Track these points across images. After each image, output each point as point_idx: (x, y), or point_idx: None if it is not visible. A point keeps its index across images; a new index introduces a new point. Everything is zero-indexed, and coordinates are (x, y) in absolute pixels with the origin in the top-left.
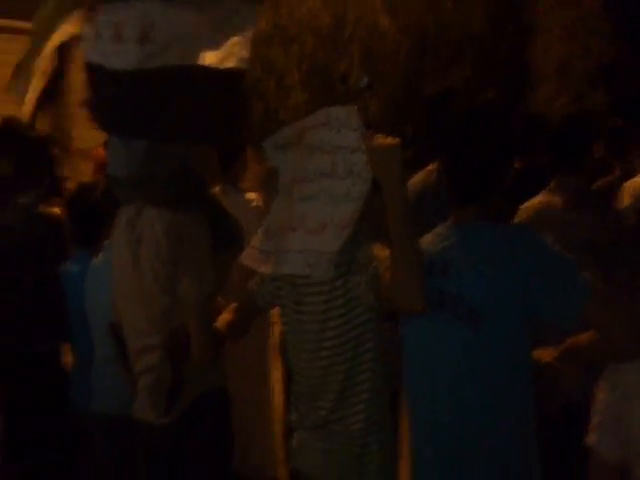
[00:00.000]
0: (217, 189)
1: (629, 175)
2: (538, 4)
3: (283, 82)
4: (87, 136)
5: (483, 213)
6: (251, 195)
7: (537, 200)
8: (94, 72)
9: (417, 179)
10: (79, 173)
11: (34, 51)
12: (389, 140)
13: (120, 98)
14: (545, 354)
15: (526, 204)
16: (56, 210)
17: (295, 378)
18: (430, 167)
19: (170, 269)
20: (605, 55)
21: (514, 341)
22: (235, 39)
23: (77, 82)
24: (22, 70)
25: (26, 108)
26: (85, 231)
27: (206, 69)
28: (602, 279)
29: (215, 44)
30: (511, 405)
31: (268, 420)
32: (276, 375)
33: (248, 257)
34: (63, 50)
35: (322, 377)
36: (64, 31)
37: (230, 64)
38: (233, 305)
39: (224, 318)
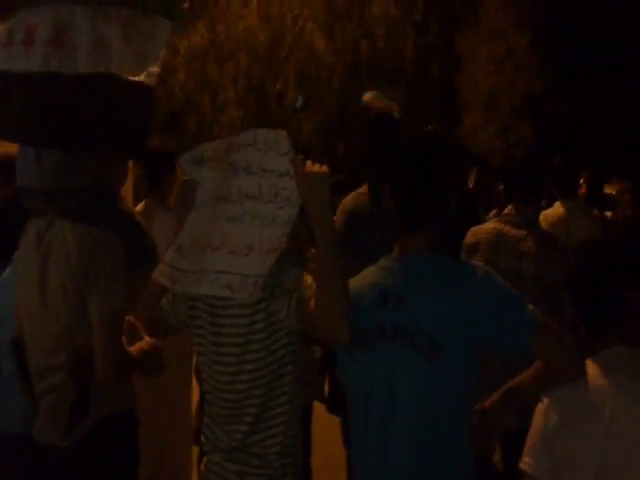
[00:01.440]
0: (141, 205)
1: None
2: (468, 36)
3: (218, 98)
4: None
5: (428, 243)
6: None
7: (491, 226)
8: (1, 78)
9: (348, 200)
10: None
11: None
12: (318, 167)
13: (28, 103)
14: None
15: (478, 227)
16: None
17: (210, 400)
18: (361, 190)
19: (79, 283)
20: (531, 89)
21: (467, 373)
22: (148, 53)
23: None
24: None
25: None
26: None
27: (117, 79)
28: (549, 313)
29: (127, 57)
30: (462, 434)
31: (188, 442)
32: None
33: (160, 274)
34: None
35: (240, 400)
36: None
37: (141, 78)
38: (151, 339)
39: (139, 345)
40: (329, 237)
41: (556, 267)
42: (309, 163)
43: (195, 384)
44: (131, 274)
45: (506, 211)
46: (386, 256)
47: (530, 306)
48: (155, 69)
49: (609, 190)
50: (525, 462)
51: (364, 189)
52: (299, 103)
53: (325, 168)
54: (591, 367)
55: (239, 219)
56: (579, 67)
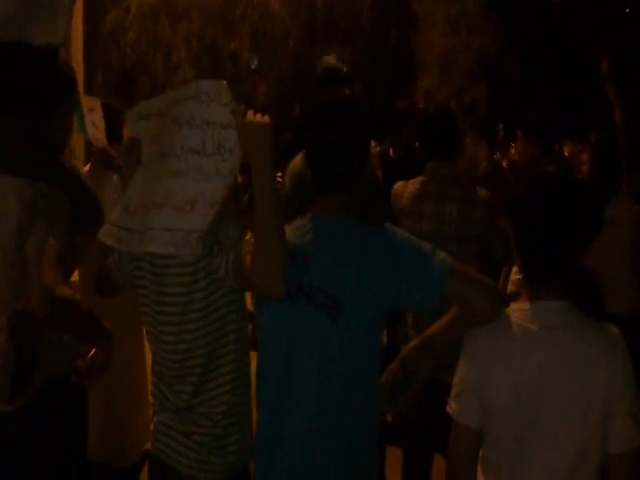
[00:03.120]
0: (89, 165)
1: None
2: None
3: (171, 58)
4: None
5: (341, 205)
6: None
7: (410, 186)
8: None
9: (296, 161)
10: None
11: None
12: (259, 117)
13: None
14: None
15: (401, 184)
16: None
17: (157, 360)
18: None
19: (17, 239)
20: (486, 50)
21: (370, 333)
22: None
23: None
24: None
25: None
26: None
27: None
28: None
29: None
30: (367, 394)
31: (144, 405)
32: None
33: (106, 234)
34: None
35: (184, 360)
36: None
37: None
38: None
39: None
40: (268, 189)
41: (478, 224)
42: (250, 113)
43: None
44: (76, 230)
45: (424, 171)
46: (301, 216)
47: (441, 254)
48: (62, 25)
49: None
50: (450, 407)
51: None
52: (254, 64)
53: (266, 118)
54: (518, 313)
55: (183, 174)
56: (532, 29)
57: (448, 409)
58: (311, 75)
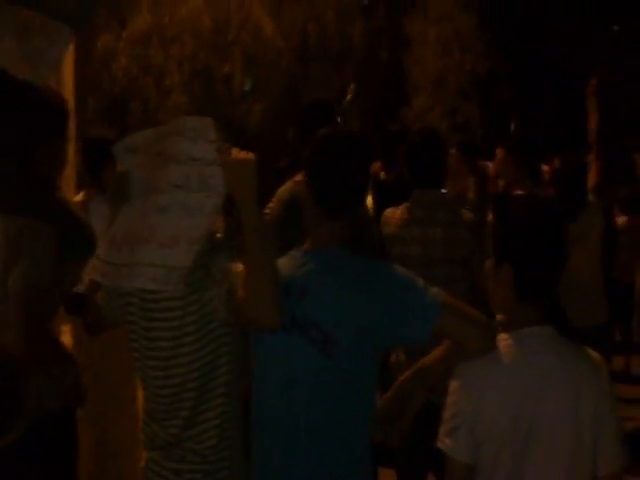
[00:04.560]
0: (81, 195)
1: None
2: (416, 19)
3: (163, 83)
4: None
5: (339, 237)
6: None
7: (398, 213)
8: None
9: (283, 189)
10: None
11: None
12: (244, 154)
13: None
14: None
15: (390, 211)
16: None
17: (147, 396)
18: (297, 178)
19: (2, 276)
20: (478, 70)
21: (365, 368)
22: (42, 55)
23: None
24: None
25: None
26: None
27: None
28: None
29: (17, 55)
30: (360, 428)
31: (136, 441)
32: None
33: (93, 269)
34: None
35: (176, 395)
36: None
37: (29, 77)
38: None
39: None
40: (256, 225)
41: (463, 246)
42: (235, 150)
43: None
44: (69, 264)
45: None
46: (297, 247)
47: (434, 289)
48: (47, 71)
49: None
50: (443, 443)
51: (300, 177)
52: (248, 87)
53: (251, 155)
54: (508, 342)
55: (167, 210)
56: (523, 49)
57: (440, 445)
58: (304, 98)
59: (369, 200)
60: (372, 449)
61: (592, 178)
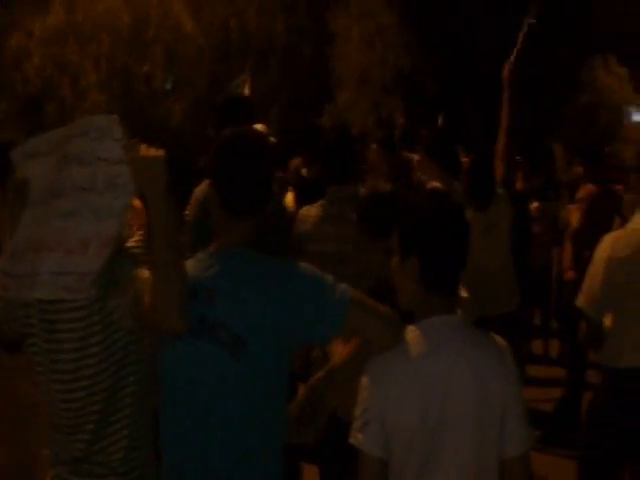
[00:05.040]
0: None
1: None
2: (339, 15)
3: (79, 82)
4: None
5: (245, 237)
6: None
7: (313, 210)
8: None
9: (200, 188)
10: None
11: None
12: (154, 151)
13: None
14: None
15: (305, 208)
16: None
17: (52, 411)
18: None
19: None
20: (401, 65)
21: (274, 368)
22: None
23: None
24: None
25: None
26: None
27: None
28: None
29: None
30: (273, 432)
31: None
32: None
33: None
34: None
35: (81, 408)
36: None
37: None
38: None
39: None
40: (165, 225)
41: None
42: (144, 147)
43: None
44: None
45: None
46: (204, 249)
47: (342, 286)
48: None
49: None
50: (355, 439)
51: None
52: (169, 85)
53: (161, 152)
54: (415, 333)
55: (74, 214)
56: (445, 44)
57: (353, 441)
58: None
59: (290, 197)
60: (291, 447)
61: (500, 169)
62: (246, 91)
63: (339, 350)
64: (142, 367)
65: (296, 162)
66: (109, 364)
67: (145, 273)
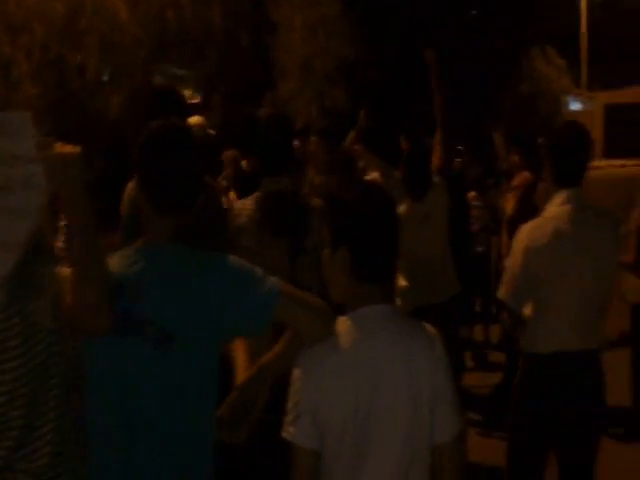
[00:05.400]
0: None
1: None
2: (281, 3)
3: (11, 74)
4: None
5: (172, 232)
6: None
7: (248, 203)
8: None
9: (132, 184)
10: None
11: None
12: (69, 148)
13: None
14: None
15: (239, 202)
16: None
17: None
18: None
19: None
20: (344, 55)
21: (204, 364)
22: None
23: None
24: None
25: None
26: None
27: None
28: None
29: None
30: (204, 424)
31: None
32: None
33: None
34: None
35: (2, 415)
36: None
37: None
38: None
39: None
40: (82, 222)
41: (313, 234)
42: (58, 144)
43: None
44: None
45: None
46: (130, 244)
47: (272, 279)
48: None
49: None
50: (287, 432)
51: None
52: (105, 77)
53: (77, 149)
54: (347, 324)
55: None
56: (386, 33)
57: (285, 435)
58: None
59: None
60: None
61: (436, 159)
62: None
63: (240, 354)
64: (66, 369)
65: (230, 154)
66: (30, 367)
67: (66, 272)
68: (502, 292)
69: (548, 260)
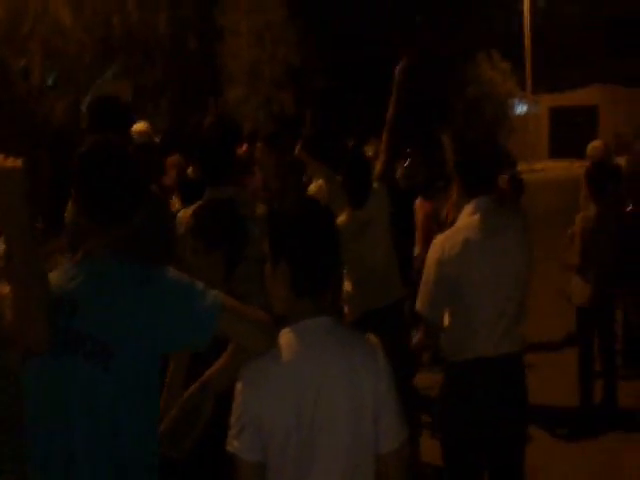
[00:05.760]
0: None
1: None
2: (227, 10)
3: None
4: None
5: (111, 244)
6: None
7: (188, 212)
8: None
9: None
10: None
11: None
12: (10, 162)
13: None
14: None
15: (182, 211)
16: None
17: None
18: None
19: None
20: (291, 60)
21: (144, 376)
22: None
23: None
24: None
25: None
26: None
27: None
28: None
29: None
30: (147, 439)
31: None
32: None
33: None
34: None
35: None
36: None
37: None
38: None
39: None
40: (21, 239)
41: (256, 243)
42: (0, 157)
43: None
44: None
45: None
46: (69, 258)
47: (213, 292)
48: None
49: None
50: (231, 445)
51: None
52: (50, 82)
53: (18, 162)
54: (288, 337)
55: None
56: (332, 39)
57: (229, 448)
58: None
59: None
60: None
61: (379, 164)
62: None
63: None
64: (6, 385)
65: (174, 159)
66: None
67: (5, 289)
68: (419, 304)
69: (459, 270)
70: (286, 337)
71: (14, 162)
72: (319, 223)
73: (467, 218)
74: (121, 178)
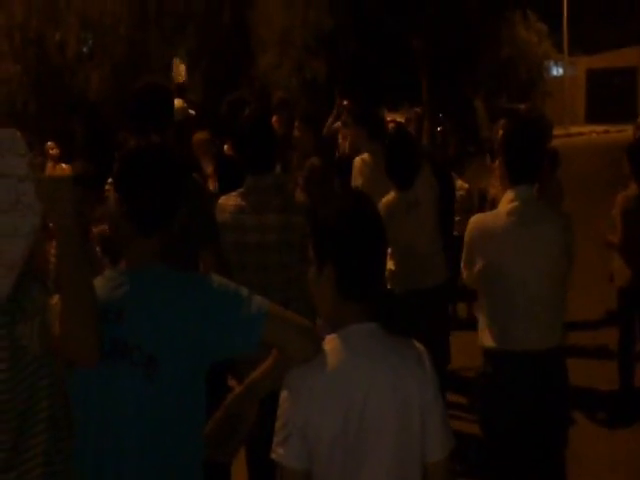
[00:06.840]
0: None
1: None
2: None
3: None
4: None
5: (154, 253)
6: None
7: (232, 199)
8: None
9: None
10: None
11: None
12: (60, 170)
13: None
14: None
15: (224, 198)
16: None
17: None
18: None
19: None
20: (323, 26)
21: (190, 385)
22: None
23: None
24: None
25: None
26: None
27: None
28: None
29: None
30: (191, 450)
31: None
32: None
33: None
34: None
35: None
36: None
37: None
38: None
39: None
40: (72, 248)
41: (298, 230)
42: (50, 166)
43: None
44: None
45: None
46: (113, 267)
47: (258, 298)
48: None
49: (400, 118)
50: (276, 453)
51: None
52: (85, 53)
53: (67, 171)
54: (334, 343)
55: None
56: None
57: (274, 456)
58: (145, 63)
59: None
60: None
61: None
62: (180, 78)
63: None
64: (56, 391)
65: (201, 139)
66: (20, 390)
67: (54, 299)
68: (465, 276)
69: (492, 257)
70: (332, 343)
71: (63, 170)
72: (365, 222)
73: (506, 205)
74: (164, 185)
